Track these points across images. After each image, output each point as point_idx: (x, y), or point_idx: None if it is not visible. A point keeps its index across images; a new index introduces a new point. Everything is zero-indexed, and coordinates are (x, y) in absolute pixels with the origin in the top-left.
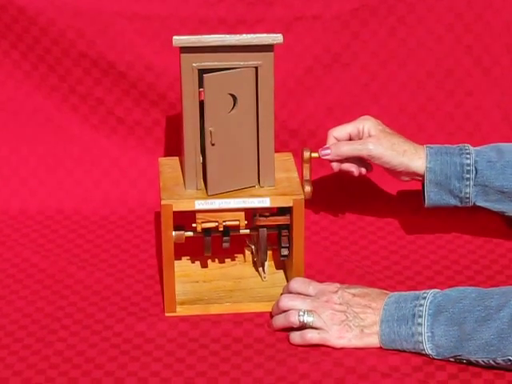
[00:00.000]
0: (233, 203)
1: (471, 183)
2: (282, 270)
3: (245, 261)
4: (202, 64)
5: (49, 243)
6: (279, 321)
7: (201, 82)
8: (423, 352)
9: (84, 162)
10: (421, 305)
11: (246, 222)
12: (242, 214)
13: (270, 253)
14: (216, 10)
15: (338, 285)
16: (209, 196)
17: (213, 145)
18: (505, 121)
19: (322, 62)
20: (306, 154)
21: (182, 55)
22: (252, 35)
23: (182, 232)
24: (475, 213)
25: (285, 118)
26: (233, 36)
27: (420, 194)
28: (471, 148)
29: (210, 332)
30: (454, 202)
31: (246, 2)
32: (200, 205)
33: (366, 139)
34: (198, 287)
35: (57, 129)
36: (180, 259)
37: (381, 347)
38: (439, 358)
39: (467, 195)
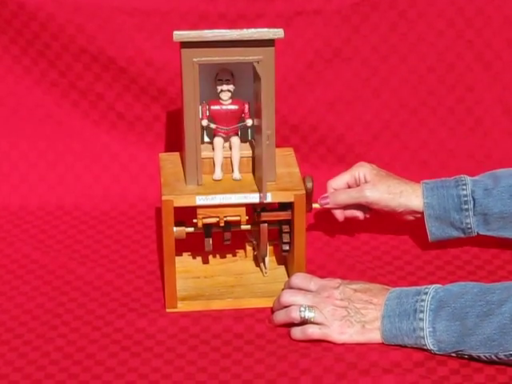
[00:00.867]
0: (234, 198)
1: (471, 213)
2: (283, 266)
3: (246, 256)
4: (203, 59)
5: (49, 239)
6: (280, 316)
7: (201, 77)
8: (425, 347)
9: (84, 157)
10: (422, 300)
11: (247, 218)
12: (243, 209)
13: (270, 248)
14: (216, 5)
15: (339, 280)
16: (209, 191)
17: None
18: (506, 115)
19: (322, 57)
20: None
21: (183, 50)
22: (253, 30)
23: (182, 228)
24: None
25: (285, 113)
26: (233, 31)
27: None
28: (467, 178)
29: (211, 328)
30: (456, 233)
31: None
32: (201, 200)
33: (362, 186)
34: (199, 283)
35: (57, 124)
36: (181, 255)
37: (382, 343)
38: (441, 353)
39: (469, 225)
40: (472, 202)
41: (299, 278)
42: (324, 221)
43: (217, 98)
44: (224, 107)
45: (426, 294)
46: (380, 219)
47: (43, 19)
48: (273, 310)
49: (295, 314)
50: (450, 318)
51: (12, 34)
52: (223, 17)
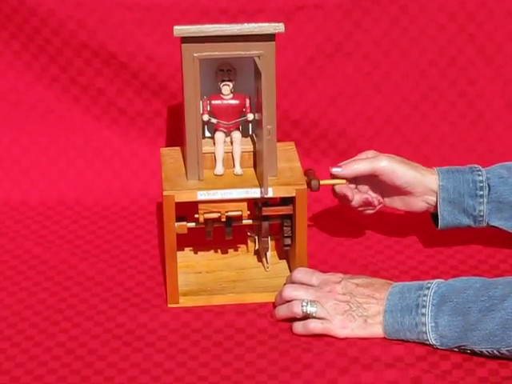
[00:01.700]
0: (235, 193)
1: (485, 200)
2: (284, 260)
3: (247, 251)
4: (203, 54)
5: (50, 234)
6: (282, 311)
7: (202, 71)
8: (427, 342)
9: (85, 152)
10: (425, 295)
11: (248, 213)
12: (245, 204)
13: (272, 243)
14: (217, 0)
15: (341, 275)
16: (211, 186)
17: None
18: (508, 109)
19: (323, 52)
20: (315, 185)
21: (183, 45)
22: (253, 24)
23: (184, 223)
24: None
25: (287, 108)
26: (234, 25)
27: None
28: (481, 167)
29: (213, 323)
30: (467, 221)
31: None
32: (202, 195)
33: (378, 155)
34: (201, 278)
35: (58, 120)
36: (183, 250)
37: (384, 337)
38: (443, 348)
39: (481, 213)
40: (487, 189)
41: (301, 273)
42: (326, 215)
43: (218, 93)
44: (225, 102)
45: (428, 288)
46: (382, 210)
47: (44, 14)
48: (275, 305)
49: (297, 309)
50: (452, 312)
51: (13, 29)
52: (224, 11)
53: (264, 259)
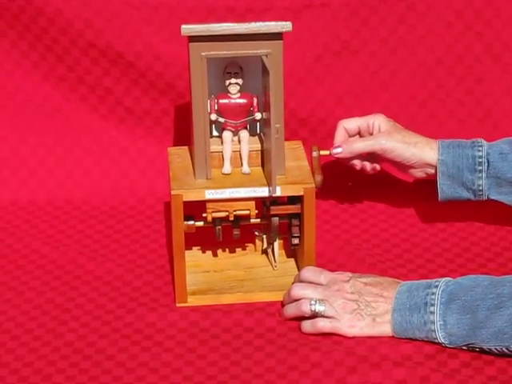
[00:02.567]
0: (243, 192)
1: (483, 175)
2: (293, 259)
3: (255, 250)
4: (211, 53)
5: (58, 234)
6: (290, 310)
7: (210, 70)
8: (436, 340)
9: (93, 152)
10: (433, 293)
11: (256, 212)
12: (253, 203)
13: (280, 242)
14: None
15: (349, 274)
16: (219, 185)
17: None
18: None
19: (331, 50)
20: (315, 153)
21: (191, 44)
22: (261, 23)
23: (192, 222)
24: (486, 200)
25: (294, 107)
26: (241, 24)
27: (433, 183)
28: (484, 141)
29: (221, 322)
30: (467, 195)
31: None
32: (210, 194)
33: (376, 134)
34: (209, 277)
35: (65, 119)
36: (191, 249)
37: (393, 336)
38: (452, 346)
39: (480, 187)
40: (486, 164)
41: (309, 272)
42: (334, 214)
43: (225, 92)
44: (232, 101)
45: (436, 287)
46: (390, 208)
47: (51, 14)
48: (283, 304)
49: (305, 308)
50: (460, 311)
51: (20, 29)
52: (231, 10)
53: (272, 258)
